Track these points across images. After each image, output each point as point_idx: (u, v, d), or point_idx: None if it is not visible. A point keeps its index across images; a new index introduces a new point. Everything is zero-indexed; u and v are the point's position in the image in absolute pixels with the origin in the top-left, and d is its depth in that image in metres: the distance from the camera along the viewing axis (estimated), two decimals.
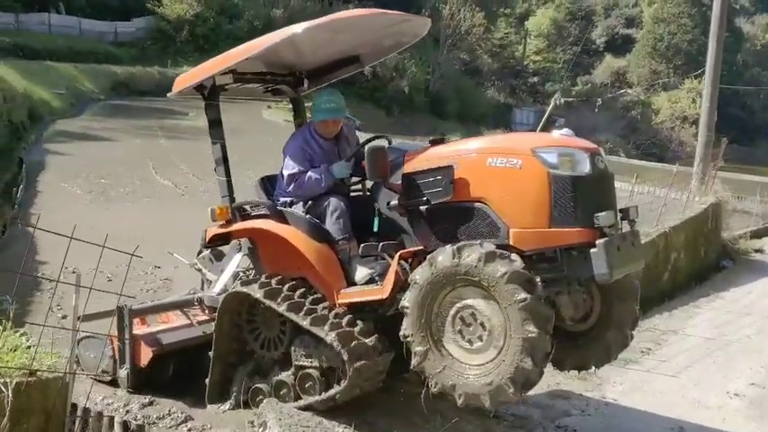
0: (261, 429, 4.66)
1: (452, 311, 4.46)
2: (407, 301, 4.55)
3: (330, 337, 4.84)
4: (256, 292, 5.21)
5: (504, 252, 4.31)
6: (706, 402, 7.07)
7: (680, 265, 13.17)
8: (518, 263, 4.25)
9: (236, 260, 5.99)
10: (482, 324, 4.35)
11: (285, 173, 5.50)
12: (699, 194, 15.64)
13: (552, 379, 6.83)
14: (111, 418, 4.66)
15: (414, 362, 4.56)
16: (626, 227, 4.86)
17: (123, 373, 5.82)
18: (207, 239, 5.73)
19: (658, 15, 61.25)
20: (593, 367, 5.43)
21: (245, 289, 5.32)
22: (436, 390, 4.52)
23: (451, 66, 53.52)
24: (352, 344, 4.84)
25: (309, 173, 5.42)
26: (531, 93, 66.11)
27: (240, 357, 5.61)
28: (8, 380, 3.33)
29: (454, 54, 53.50)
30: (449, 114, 49.97)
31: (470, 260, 4.30)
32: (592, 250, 4.33)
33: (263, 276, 5.36)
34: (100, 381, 5.93)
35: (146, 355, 5.81)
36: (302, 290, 5.22)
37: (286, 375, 5.30)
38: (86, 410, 4.40)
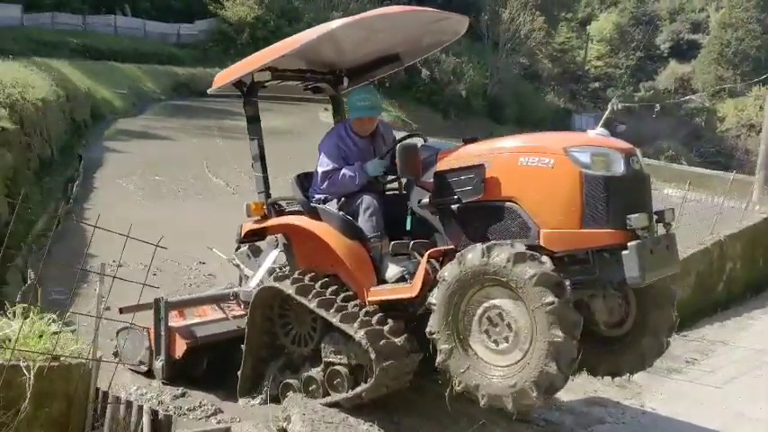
0: (285, 424, 4.68)
1: (480, 311, 4.40)
2: (435, 297, 4.51)
3: (359, 335, 4.82)
4: (288, 287, 5.24)
5: (535, 253, 4.23)
6: (750, 414, 6.84)
7: (736, 276, 12.80)
8: (548, 265, 4.16)
9: (273, 256, 6.03)
10: (509, 325, 4.28)
11: (320, 170, 5.50)
12: (760, 204, 15.17)
13: (590, 386, 6.69)
14: (141, 407, 4.71)
15: (438, 359, 4.52)
16: (662, 230, 4.73)
17: (158, 364, 5.92)
18: (242, 235, 5.78)
19: (726, 20, 59.59)
20: (627, 374, 5.30)
21: (277, 284, 5.34)
22: (459, 389, 4.46)
23: (510, 70, 53.06)
24: (381, 342, 4.81)
25: (344, 170, 5.41)
26: (592, 98, 65.11)
27: (272, 352, 5.65)
28: (31, 364, 3.40)
29: (513, 58, 53.01)
30: (506, 119, 49.51)
31: (500, 260, 4.23)
32: (623, 252, 4.23)
33: (296, 272, 5.38)
34: (136, 371, 6.05)
35: (180, 347, 5.90)
36: (334, 287, 5.22)
37: (315, 371, 5.32)
38: (116, 398, 4.44)
